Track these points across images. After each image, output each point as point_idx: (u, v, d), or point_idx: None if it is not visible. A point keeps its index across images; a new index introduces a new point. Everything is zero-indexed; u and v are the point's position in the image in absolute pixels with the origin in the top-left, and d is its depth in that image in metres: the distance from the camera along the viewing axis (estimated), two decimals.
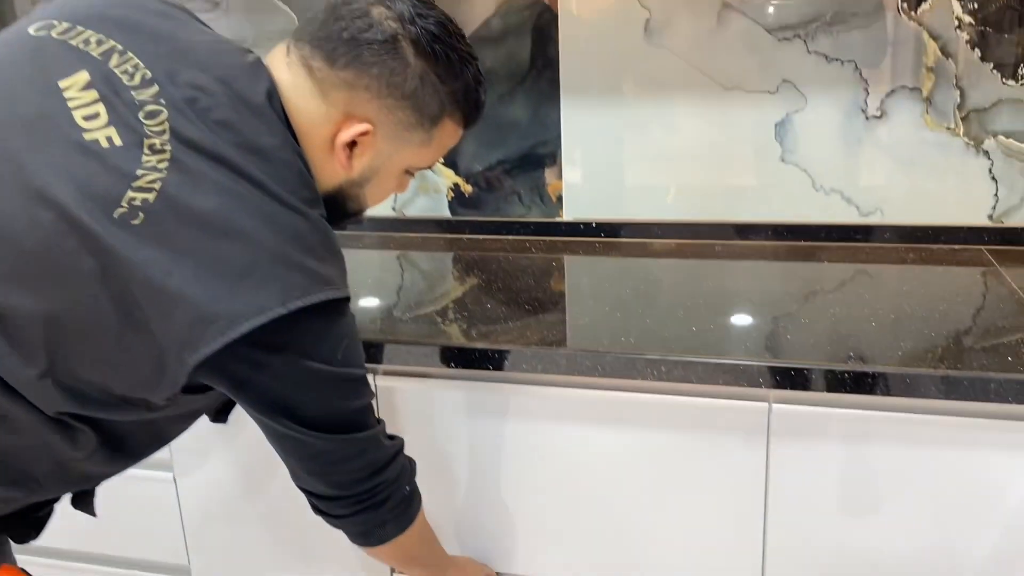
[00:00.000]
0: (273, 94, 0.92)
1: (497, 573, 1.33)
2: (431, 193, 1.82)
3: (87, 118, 0.83)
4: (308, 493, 1.02)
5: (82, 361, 0.85)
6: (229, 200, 0.84)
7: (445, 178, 1.80)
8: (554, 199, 1.76)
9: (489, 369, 1.22)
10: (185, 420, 1.07)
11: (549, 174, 1.74)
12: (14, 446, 0.90)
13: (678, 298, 1.37)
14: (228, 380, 0.88)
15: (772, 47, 1.57)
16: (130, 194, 0.81)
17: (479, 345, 1.21)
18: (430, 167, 1.08)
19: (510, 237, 1.79)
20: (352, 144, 0.96)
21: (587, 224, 1.75)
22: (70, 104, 0.84)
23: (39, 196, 0.80)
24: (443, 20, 0.96)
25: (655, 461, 1.20)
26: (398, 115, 0.96)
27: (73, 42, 0.87)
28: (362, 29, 0.92)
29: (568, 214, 1.76)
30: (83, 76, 0.85)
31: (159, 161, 0.83)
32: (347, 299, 0.92)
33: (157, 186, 0.82)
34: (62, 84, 0.85)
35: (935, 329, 1.20)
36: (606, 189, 1.72)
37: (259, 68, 0.94)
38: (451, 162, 1.79)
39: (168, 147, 0.83)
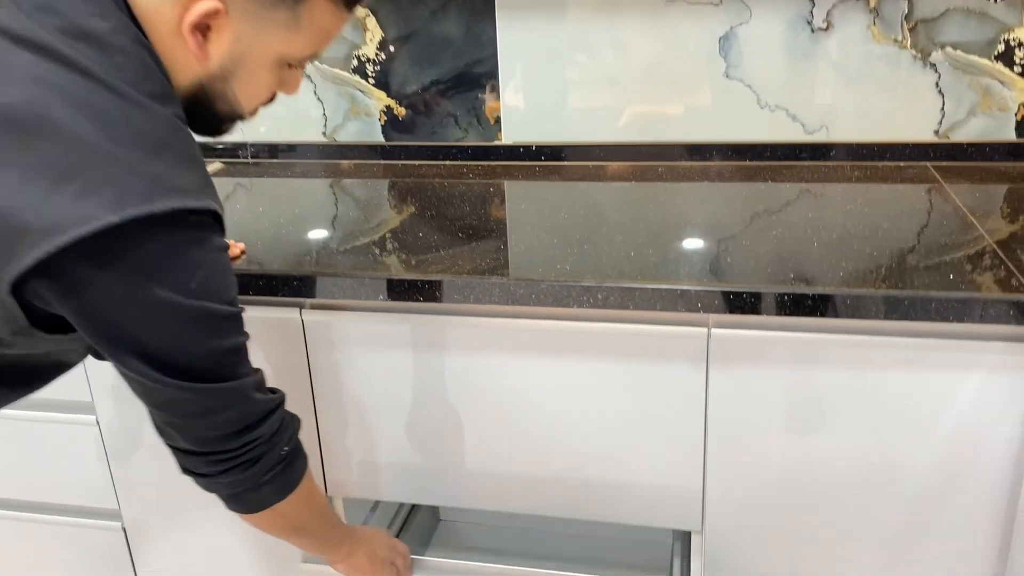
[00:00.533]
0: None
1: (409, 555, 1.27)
2: (362, 117, 1.73)
3: None
4: (169, 447, 0.91)
5: None
6: (43, 92, 0.71)
7: (377, 100, 1.71)
8: (492, 121, 1.68)
9: (421, 301, 1.16)
10: (58, 364, 0.95)
11: (486, 95, 1.66)
12: None
13: (619, 223, 1.32)
14: (59, 302, 0.75)
15: None
16: None
17: (411, 276, 1.15)
18: (312, 58, 0.91)
19: (447, 162, 1.71)
20: (205, 29, 0.81)
21: (527, 147, 1.68)
22: None
23: None
24: None
25: (594, 390, 1.17)
26: None
27: None
28: None
29: (507, 137, 1.69)
30: None
31: None
32: (209, 213, 0.79)
33: None
34: None
35: (878, 248, 1.17)
36: (546, 110, 1.65)
37: None
38: (383, 83, 1.69)
39: None
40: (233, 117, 0.91)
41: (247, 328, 0.87)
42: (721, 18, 1.53)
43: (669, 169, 1.60)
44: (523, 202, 1.47)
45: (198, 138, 0.86)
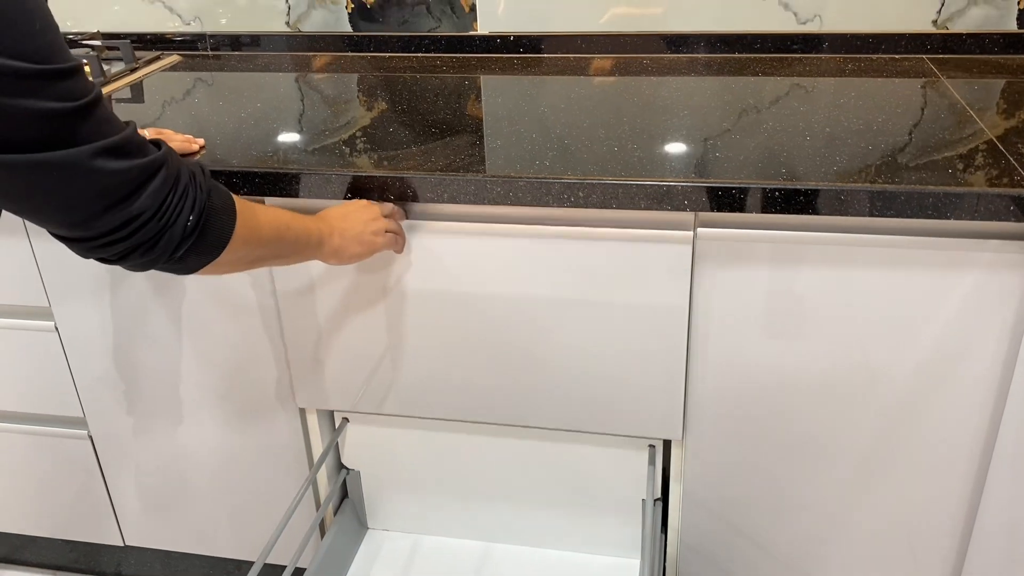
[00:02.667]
0: None
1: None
2: (328, 5, 1.62)
3: None
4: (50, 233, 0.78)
5: None
6: None
7: None
8: (467, 9, 1.58)
9: (391, 200, 1.10)
10: None
11: None
12: None
13: (601, 119, 1.25)
14: None
15: None
16: None
17: (380, 173, 1.09)
18: None
19: (418, 54, 1.62)
20: None
21: (504, 38, 1.59)
22: None
23: None
24: None
25: (575, 295, 1.12)
26: None
27: None
28: None
29: (483, 27, 1.59)
30: None
31: None
32: None
33: None
34: None
35: (872, 144, 1.11)
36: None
37: None
38: None
39: None
40: None
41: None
42: None
43: (653, 61, 1.51)
44: (500, 96, 1.39)
45: None
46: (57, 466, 1.47)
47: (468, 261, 1.13)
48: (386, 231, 1.08)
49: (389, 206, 1.10)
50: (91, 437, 1.43)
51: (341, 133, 1.23)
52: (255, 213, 0.89)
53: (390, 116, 1.30)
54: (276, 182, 1.11)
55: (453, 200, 1.07)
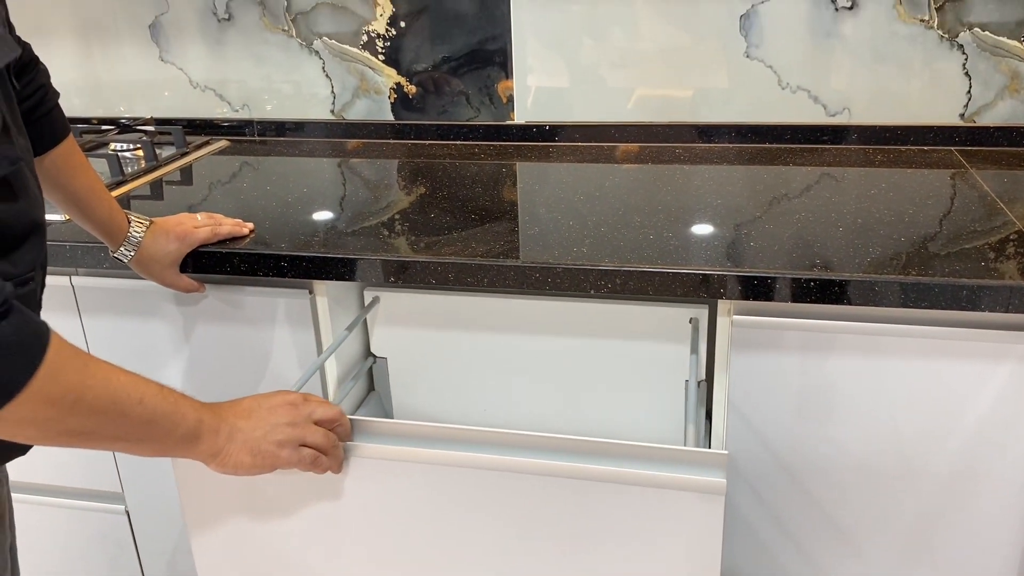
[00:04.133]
0: None
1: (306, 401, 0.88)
2: (372, 95, 1.69)
3: None
4: None
5: None
6: None
7: (387, 78, 1.67)
8: (504, 100, 1.64)
9: (433, 284, 1.13)
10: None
11: (498, 73, 1.62)
12: None
13: (636, 206, 1.28)
14: None
15: None
16: None
17: (424, 258, 1.12)
18: None
19: (457, 142, 1.68)
20: None
21: (540, 127, 1.64)
22: None
23: None
24: None
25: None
26: None
27: None
28: None
29: (519, 116, 1.65)
30: None
31: None
32: None
33: None
34: None
35: (903, 235, 1.13)
36: (560, 90, 1.61)
37: None
38: (393, 60, 1.65)
39: None
40: None
41: None
42: None
43: (685, 150, 1.56)
44: (536, 183, 1.43)
45: None
46: (93, 540, 1.48)
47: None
48: (306, 444, 0.84)
49: (328, 409, 0.86)
50: (128, 512, 1.44)
51: (382, 215, 1.27)
52: (87, 370, 0.70)
53: (429, 201, 1.34)
54: (323, 266, 1.15)
55: (493, 285, 1.10)
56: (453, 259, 1.11)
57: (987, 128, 1.48)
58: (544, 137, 1.64)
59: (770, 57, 1.51)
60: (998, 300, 0.98)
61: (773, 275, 1.02)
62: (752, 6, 1.49)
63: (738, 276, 1.03)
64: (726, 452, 0.87)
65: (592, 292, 1.07)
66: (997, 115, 1.48)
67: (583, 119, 1.62)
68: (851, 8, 1.46)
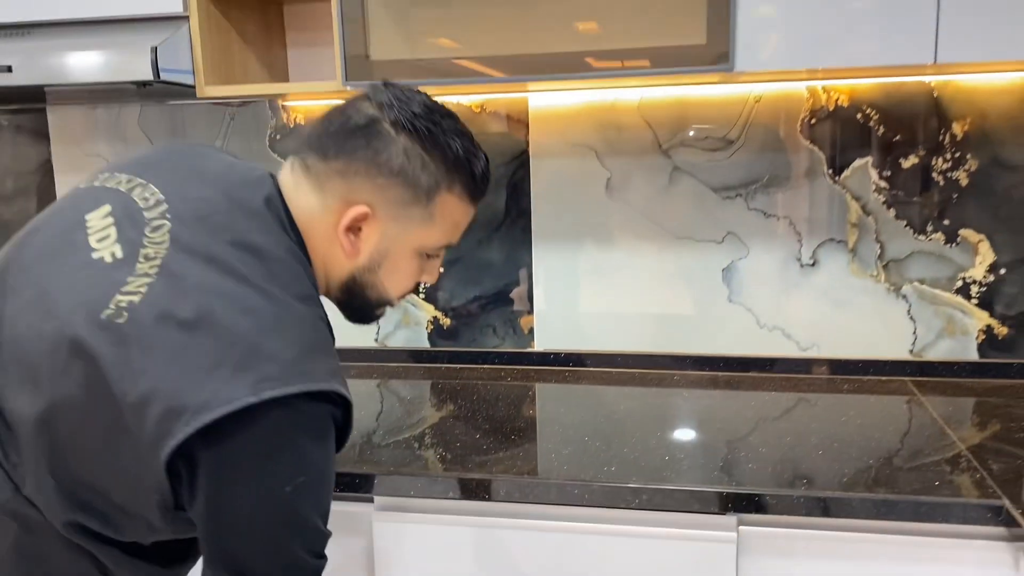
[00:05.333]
0: (272, 199, 0.98)
1: None
2: (412, 326, 1.97)
3: (99, 240, 0.92)
4: None
5: (78, 462, 0.88)
6: (210, 297, 0.87)
7: (425, 312, 1.96)
8: (526, 331, 1.93)
9: (482, 499, 1.34)
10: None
11: (521, 310, 1.92)
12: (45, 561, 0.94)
13: (648, 427, 1.53)
14: (192, 478, 0.86)
15: (717, 204, 1.80)
16: (118, 297, 0.87)
17: (470, 475, 1.34)
18: (448, 246, 1.07)
19: (486, 366, 1.94)
20: (358, 230, 1.00)
21: (556, 354, 1.92)
22: (88, 230, 0.94)
23: (48, 312, 0.89)
24: (425, 101, 1.01)
25: None
26: (392, 193, 0.99)
27: (108, 184, 0.99)
28: (345, 121, 0.99)
29: (539, 345, 1.93)
30: (106, 208, 0.95)
31: (150, 267, 0.89)
32: (335, 396, 0.90)
33: (144, 290, 0.87)
34: (87, 216, 0.95)
35: (872, 455, 1.38)
36: (573, 323, 1.90)
37: (263, 179, 1.01)
38: (432, 297, 1.95)
39: (162, 253, 0.90)
40: (382, 303, 1.08)
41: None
42: (723, 253, 1.82)
43: (682, 377, 1.83)
44: (555, 403, 1.68)
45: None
46: None
47: (533, 550, 1.34)
48: None
49: None
50: None
51: (414, 430, 1.51)
52: None
53: (462, 419, 1.58)
54: (352, 481, 1.36)
55: (535, 500, 1.32)
56: (483, 475, 1.33)
57: (932, 362, 1.78)
58: (560, 363, 1.91)
59: (748, 302, 1.83)
60: (951, 515, 1.21)
61: (771, 492, 1.26)
62: (732, 262, 1.82)
63: (742, 494, 1.26)
64: None
65: (623, 507, 1.29)
66: (939, 351, 1.78)
67: (593, 348, 1.90)
68: (813, 265, 1.79)
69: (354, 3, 1.47)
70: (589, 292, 1.89)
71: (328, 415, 0.90)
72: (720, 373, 1.85)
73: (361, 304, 1.07)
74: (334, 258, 1.02)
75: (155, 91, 1.65)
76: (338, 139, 0.99)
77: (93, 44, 1.52)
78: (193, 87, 1.59)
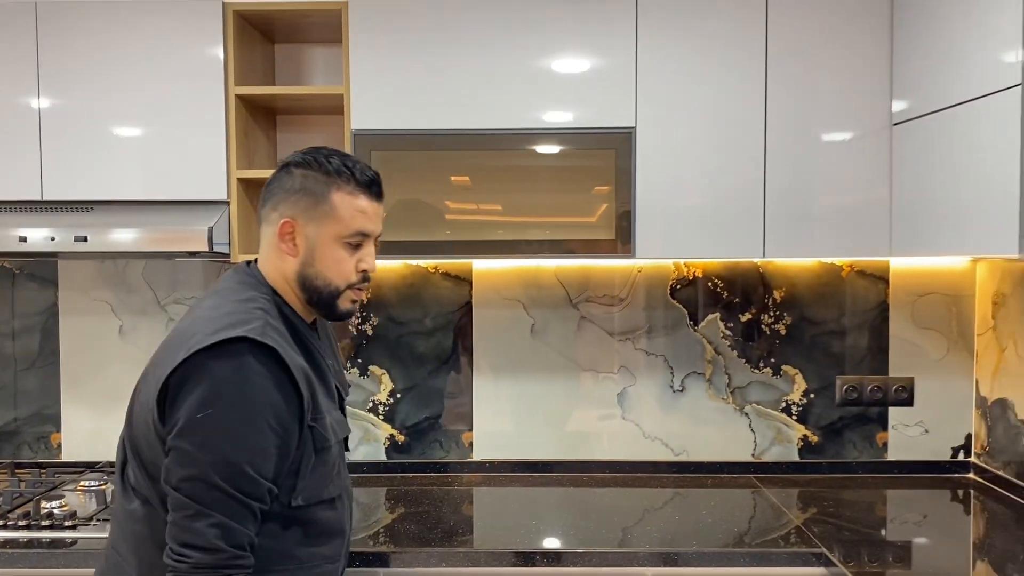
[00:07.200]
0: (239, 267, 1.44)
1: None
2: (371, 442, 2.42)
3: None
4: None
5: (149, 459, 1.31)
6: (180, 325, 1.36)
7: (383, 431, 2.42)
8: (467, 445, 2.42)
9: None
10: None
11: (463, 427, 2.42)
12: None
13: (565, 515, 2.05)
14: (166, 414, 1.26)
15: (613, 345, 2.41)
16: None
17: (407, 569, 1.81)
18: (364, 233, 1.40)
19: (433, 474, 2.41)
20: (291, 238, 1.38)
21: (492, 462, 2.41)
22: None
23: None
24: (328, 149, 1.41)
25: None
26: (301, 203, 1.38)
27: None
28: (271, 178, 1.43)
29: (477, 455, 2.42)
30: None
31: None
32: (240, 339, 1.26)
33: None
34: None
35: (734, 534, 1.96)
36: (505, 438, 2.42)
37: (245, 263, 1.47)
38: (390, 418, 2.41)
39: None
40: (332, 291, 1.40)
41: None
42: (617, 382, 2.42)
43: (590, 477, 2.38)
44: (492, 500, 2.17)
45: None
46: None
47: None
48: None
49: None
50: None
51: (370, 529, 1.95)
52: None
53: (410, 518, 2.04)
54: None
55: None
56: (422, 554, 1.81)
57: (767, 463, 2.42)
58: (495, 470, 2.41)
59: (636, 419, 2.42)
60: (791, 559, 1.80)
61: (669, 550, 1.80)
62: (624, 388, 2.41)
63: (656, 552, 1.80)
64: None
65: (570, 566, 1.79)
66: (772, 455, 2.43)
67: (522, 457, 2.41)
68: (682, 391, 2.42)
69: None
70: (517, 412, 2.42)
71: (243, 353, 1.26)
72: (617, 474, 2.41)
73: (319, 297, 1.41)
74: (285, 265, 1.40)
75: (181, 254, 2.08)
76: (268, 189, 1.43)
77: (151, 221, 1.96)
78: (228, 255, 2.05)
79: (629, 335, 2.41)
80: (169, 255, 1.95)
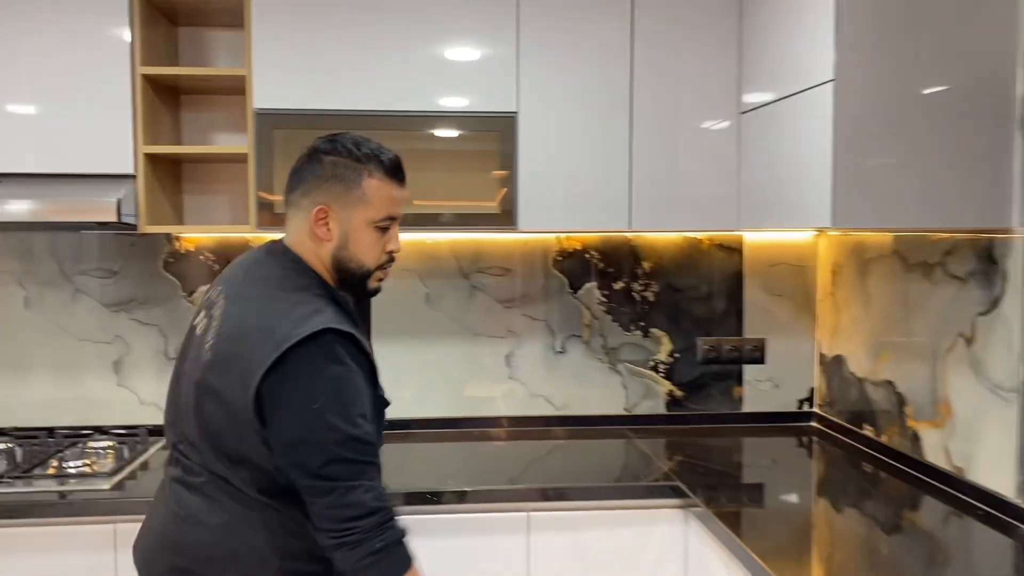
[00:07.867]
0: (272, 250, 1.50)
1: None
2: None
3: (202, 331, 1.49)
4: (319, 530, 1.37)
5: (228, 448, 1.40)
6: (244, 316, 1.42)
7: None
8: None
9: None
10: None
11: None
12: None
13: (461, 465, 2.27)
14: (265, 409, 1.34)
15: (501, 311, 2.64)
16: (205, 346, 1.43)
17: None
18: (393, 217, 1.48)
19: None
20: (325, 223, 1.44)
21: (392, 421, 2.59)
22: (196, 328, 1.52)
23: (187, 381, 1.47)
24: (349, 135, 1.47)
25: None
26: (334, 190, 1.43)
27: (210, 295, 1.53)
28: (299, 162, 1.48)
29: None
30: (202, 314, 1.53)
31: (209, 316, 1.48)
32: (338, 332, 1.35)
33: (212, 333, 1.44)
34: (194, 322, 1.54)
35: (605, 472, 2.22)
36: (403, 398, 2.59)
37: (270, 245, 1.53)
38: None
39: (218, 302, 1.47)
40: (364, 271, 1.48)
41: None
42: (506, 345, 2.64)
43: (482, 433, 2.60)
44: (393, 454, 2.37)
45: None
46: None
47: None
48: None
49: None
50: None
51: None
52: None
53: None
54: None
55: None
56: None
57: (639, 415, 2.70)
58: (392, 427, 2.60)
59: (523, 378, 2.66)
60: (651, 492, 2.07)
61: (557, 485, 2.05)
62: (511, 350, 2.64)
63: (536, 488, 2.04)
64: None
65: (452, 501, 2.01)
66: (644, 408, 2.71)
67: (417, 416, 2.61)
68: (563, 352, 2.67)
69: (263, 169, 2.16)
70: (414, 375, 2.62)
71: (331, 342, 1.35)
72: (506, 428, 2.64)
73: (352, 277, 1.49)
74: (321, 249, 1.47)
75: (89, 225, 2.18)
76: (297, 174, 1.49)
77: (56, 193, 2.06)
78: (136, 226, 2.16)
79: (517, 302, 2.64)
80: (76, 226, 2.05)
